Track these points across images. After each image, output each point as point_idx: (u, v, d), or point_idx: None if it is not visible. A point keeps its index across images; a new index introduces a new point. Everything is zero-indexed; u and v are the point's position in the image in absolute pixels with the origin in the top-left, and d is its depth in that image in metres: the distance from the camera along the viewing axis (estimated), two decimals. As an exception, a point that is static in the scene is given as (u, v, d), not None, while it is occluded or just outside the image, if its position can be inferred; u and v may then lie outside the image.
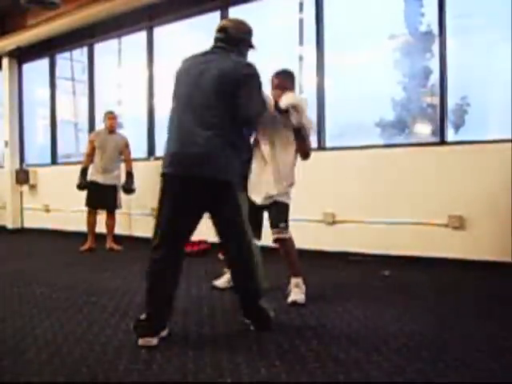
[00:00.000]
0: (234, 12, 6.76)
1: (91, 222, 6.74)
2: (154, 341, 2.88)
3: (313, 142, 5.99)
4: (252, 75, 3.05)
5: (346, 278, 4.74)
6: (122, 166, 6.90)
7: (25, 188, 9.55)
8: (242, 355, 2.70)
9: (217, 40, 3.20)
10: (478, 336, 2.98)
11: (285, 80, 3.87)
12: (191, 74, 3.06)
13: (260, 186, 3.87)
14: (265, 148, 3.87)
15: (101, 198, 6.67)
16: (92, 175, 6.72)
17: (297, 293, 3.78)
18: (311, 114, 6.04)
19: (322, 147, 6.05)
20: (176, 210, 2.97)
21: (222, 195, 3.00)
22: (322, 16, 6.04)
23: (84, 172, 6.70)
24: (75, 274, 5.05)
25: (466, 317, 3.39)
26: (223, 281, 4.30)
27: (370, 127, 6.18)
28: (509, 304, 3.75)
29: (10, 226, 9.70)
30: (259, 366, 2.54)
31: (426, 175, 5.23)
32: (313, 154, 5.97)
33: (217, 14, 6.87)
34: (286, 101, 3.61)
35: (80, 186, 6.70)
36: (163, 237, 3.01)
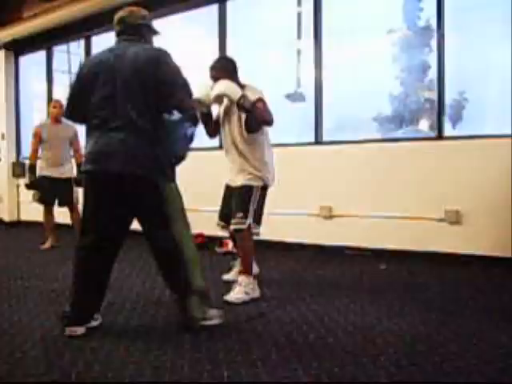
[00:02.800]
0: (232, 5, 6.75)
1: (50, 220, 6.43)
2: (81, 330, 2.93)
3: (310, 136, 6.06)
4: (167, 58, 2.99)
5: (342, 272, 4.74)
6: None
7: (21, 181, 9.52)
8: (238, 348, 2.71)
9: (118, 33, 3.14)
10: (475, 330, 2.99)
11: (219, 71, 3.77)
12: (103, 71, 2.94)
13: (230, 173, 3.94)
14: (226, 140, 3.91)
15: (57, 193, 6.27)
16: (42, 170, 6.24)
17: (235, 292, 3.69)
18: (309, 108, 6.10)
19: (319, 141, 6.04)
20: (99, 205, 2.99)
21: (145, 193, 2.94)
22: (320, 10, 6.02)
23: (33, 169, 6.24)
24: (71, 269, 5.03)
25: (463, 311, 3.40)
26: (233, 273, 4.31)
27: (367, 121, 6.18)
28: (506, 298, 3.76)
29: (6, 218, 9.69)
30: (256, 358, 2.55)
31: (423, 170, 5.24)
32: (310, 148, 6.05)
33: (214, 8, 6.85)
34: (212, 96, 3.62)
35: (31, 185, 6.28)
36: (87, 227, 3.02)
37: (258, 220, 3.81)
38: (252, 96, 3.61)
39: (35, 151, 6.31)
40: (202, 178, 6.46)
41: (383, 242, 5.40)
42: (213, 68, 3.84)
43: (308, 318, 3.27)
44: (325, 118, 6.03)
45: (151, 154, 2.90)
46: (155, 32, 3.27)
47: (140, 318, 3.30)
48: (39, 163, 6.28)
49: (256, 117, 3.62)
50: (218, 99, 3.66)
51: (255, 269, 4.22)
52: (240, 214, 3.70)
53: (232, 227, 3.76)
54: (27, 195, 9.32)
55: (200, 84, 3.67)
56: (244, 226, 3.70)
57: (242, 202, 3.75)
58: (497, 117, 4.95)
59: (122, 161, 2.85)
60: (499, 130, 4.86)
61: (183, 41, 7.56)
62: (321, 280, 4.40)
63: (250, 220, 3.71)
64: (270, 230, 5.76)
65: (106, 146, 2.88)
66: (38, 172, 6.23)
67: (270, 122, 3.71)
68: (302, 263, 5.18)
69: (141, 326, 3.13)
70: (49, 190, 6.22)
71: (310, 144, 6.10)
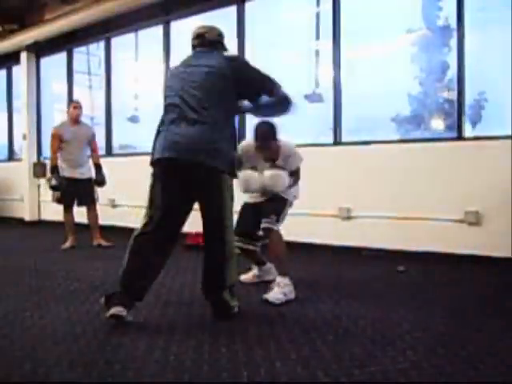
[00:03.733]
0: (251, 6, 6.78)
1: (70, 220, 6.45)
2: (124, 312, 3.08)
3: (328, 136, 6.06)
4: (244, 60, 3.47)
5: (360, 273, 4.73)
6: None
7: (42, 181, 9.64)
8: (257, 348, 2.72)
9: (195, 46, 3.49)
10: (495, 333, 2.97)
11: (265, 140, 3.83)
12: (182, 73, 3.31)
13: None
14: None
15: (77, 193, 6.32)
16: (64, 171, 6.25)
17: (274, 292, 3.70)
18: (327, 109, 6.09)
19: (337, 142, 6.04)
20: (166, 193, 3.22)
21: (209, 182, 3.20)
22: (338, 10, 6.01)
23: (56, 170, 6.23)
24: (92, 266, 5.10)
25: (483, 314, 3.38)
26: (250, 276, 4.36)
27: (385, 122, 6.16)
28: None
29: (27, 218, 9.82)
30: (275, 358, 2.56)
31: (442, 171, 5.21)
32: (329, 149, 6.04)
33: (233, 9, 6.88)
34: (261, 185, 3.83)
35: (59, 187, 6.22)
36: (152, 216, 3.23)
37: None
38: (290, 166, 3.92)
39: (56, 153, 6.31)
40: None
41: (402, 243, 5.38)
42: (260, 137, 3.84)
43: (327, 318, 3.28)
44: (343, 119, 6.02)
45: (219, 147, 3.16)
46: (225, 49, 3.56)
47: (160, 317, 3.34)
48: (59, 164, 6.30)
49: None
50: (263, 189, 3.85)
51: (272, 275, 4.22)
52: (274, 216, 3.83)
53: (264, 225, 3.83)
54: (48, 195, 9.46)
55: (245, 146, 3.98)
56: (275, 227, 3.82)
57: (277, 205, 3.90)
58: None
59: (192, 150, 3.11)
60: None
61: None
62: (339, 281, 4.40)
63: (280, 225, 3.88)
64: (288, 230, 5.78)
65: (180, 137, 3.15)
66: (60, 173, 6.25)
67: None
68: (319, 264, 5.18)
69: (161, 325, 3.16)
70: (69, 191, 6.25)
71: (328, 145, 6.10)
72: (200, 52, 3.42)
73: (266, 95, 3.36)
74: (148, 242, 3.21)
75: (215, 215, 3.23)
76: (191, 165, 3.12)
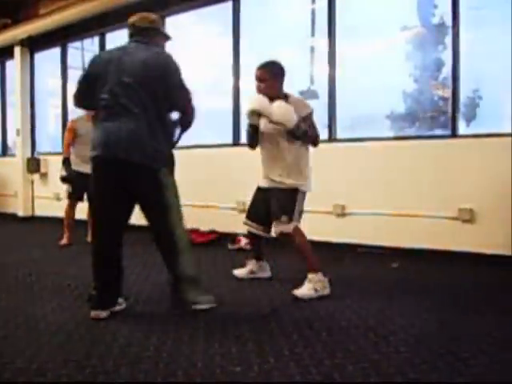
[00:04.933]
0: (246, 2, 6.76)
1: (71, 215, 6.39)
2: (104, 314, 3.16)
3: (323, 133, 6.05)
4: (175, 65, 3.26)
5: (355, 270, 4.74)
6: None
7: (36, 176, 9.62)
8: (251, 344, 2.73)
9: (129, 36, 3.38)
10: (489, 330, 2.98)
11: (265, 72, 3.77)
12: (112, 66, 3.18)
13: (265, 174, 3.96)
14: (265, 148, 3.91)
15: (87, 189, 6.03)
16: (76, 165, 6.11)
17: (304, 288, 3.71)
18: (322, 105, 6.09)
19: (332, 139, 6.04)
20: (103, 191, 3.25)
21: (146, 180, 3.17)
22: (334, 7, 6.00)
23: (68, 163, 6.15)
24: (85, 264, 5.08)
25: (477, 311, 3.39)
26: (244, 271, 4.34)
27: (380, 119, 6.17)
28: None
29: (21, 213, 9.78)
30: (268, 354, 2.56)
31: (436, 168, 5.21)
32: (323, 146, 6.01)
33: (229, 5, 6.86)
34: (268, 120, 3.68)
35: (67, 179, 6.18)
36: (99, 214, 3.34)
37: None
38: (300, 112, 3.65)
39: (69, 146, 6.20)
40: (215, 175, 6.49)
41: (396, 240, 5.39)
42: (259, 68, 3.81)
43: (320, 314, 3.29)
44: (338, 116, 6.02)
45: (155, 146, 3.14)
46: (166, 36, 3.50)
47: (152, 313, 3.34)
48: (72, 158, 6.19)
49: (305, 142, 3.77)
50: (275, 125, 3.65)
51: (267, 273, 4.24)
52: (284, 218, 3.74)
53: (277, 230, 3.80)
54: (42, 191, 9.44)
55: (257, 97, 3.74)
56: (289, 230, 3.74)
57: (286, 204, 3.77)
58: (511, 115, 4.90)
59: (128, 149, 3.08)
60: (513, 129, 4.83)
61: (197, 38, 7.60)
62: (333, 278, 4.38)
63: (296, 223, 3.77)
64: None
65: (114, 134, 3.11)
66: (73, 167, 6.14)
67: (316, 144, 3.88)
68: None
69: (154, 322, 3.16)
70: (80, 185, 6.06)
71: (323, 141, 6.07)
72: (134, 42, 3.31)
73: (176, 111, 3.32)
74: (97, 244, 3.29)
75: (159, 215, 3.23)
76: (127, 164, 3.09)
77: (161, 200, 3.19)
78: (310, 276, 3.73)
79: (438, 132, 5.72)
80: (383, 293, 3.85)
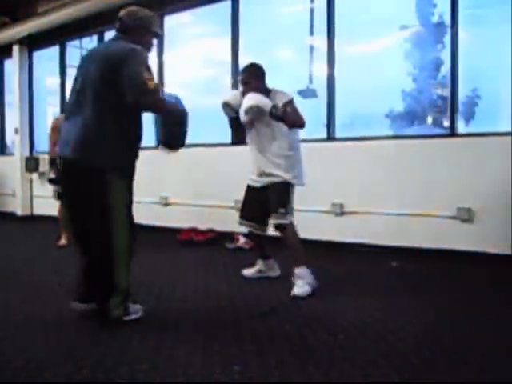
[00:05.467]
0: (245, 1, 6.75)
1: (67, 217, 6.25)
2: (80, 306, 3.15)
3: (322, 132, 6.06)
4: (133, 55, 2.99)
5: (353, 269, 4.74)
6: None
7: (34, 175, 9.60)
8: (250, 343, 2.73)
9: (115, 31, 3.27)
10: (488, 329, 2.99)
11: (249, 75, 3.93)
12: (85, 63, 3.15)
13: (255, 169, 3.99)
14: (254, 142, 3.97)
15: None
16: None
17: (299, 285, 3.72)
18: (321, 104, 6.09)
19: (331, 137, 6.03)
20: (64, 191, 3.33)
21: (91, 180, 3.01)
22: (333, 6, 5.99)
23: (55, 163, 5.67)
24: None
25: (474, 310, 3.40)
26: (252, 271, 4.33)
27: (379, 118, 6.16)
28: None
29: (19, 212, 9.77)
30: (268, 353, 2.56)
31: (435, 167, 5.22)
32: (322, 145, 6.04)
33: (227, 4, 6.85)
34: (242, 112, 3.75)
35: (57, 180, 5.71)
36: (68, 212, 3.38)
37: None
38: (280, 101, 3.75)
39: (55, 145, 6.04)
40: (213, 174, 6.49)
41: (395, 239, 5.39)
42: (243, 72, 3.99)
43: (319, 314, 3.29)
44: (337, 115, 6.02)
45: (104, 147, 3.00)
46: (154, 34, 3.36)
47: (152, 313, 3.32)
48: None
49: (288, 122, 3.73)
50: (251, 111, 3.71)
51: (276, 271, 4.27)
52: (282, 210, 3.77)
53: (275, 222, 3.82)
54: (40, 190, 9.42)
55: (230, 92, 3.98)
56: (287, 222, 3.79)
57: (282, 197, 3.82)
58: (510, 114, 4.91)
59: (75, 148, 2.99)
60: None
61: (196, 37, 7.59)
62: (332, 277, 4.40)
63: (292, 216, 3.83)
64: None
65: (67, 133, 3.07)
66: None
67: (301, 126, 3.84)
68: (313, 260, 5.15)
69: (153, 322, 3.15)
70: None
71: (322, 140, 6.09)
72: (114, 37, 3.24)
73: (130, 101, 2.95)
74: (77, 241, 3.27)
75: (97, 218, 3.03)
76: (75, 164, 3.03)
77: (102, 202, 2.99)
78: (299, 271, 3.75)
79: (437, 131, 5.72)
80: (382, 292, 3.86)
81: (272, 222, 3.85)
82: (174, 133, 3.39)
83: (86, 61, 3.17)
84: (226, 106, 3.90)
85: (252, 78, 3.91)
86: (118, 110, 3.00)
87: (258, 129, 3.89)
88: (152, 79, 2.99)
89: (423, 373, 2.35)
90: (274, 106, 3.65)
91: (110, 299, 3.02)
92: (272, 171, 3.85)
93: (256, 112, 3.68)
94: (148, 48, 3.29)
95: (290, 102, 3.82)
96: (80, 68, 3.18)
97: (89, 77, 3.02)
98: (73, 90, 3.14)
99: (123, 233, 3.05)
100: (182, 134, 3.38)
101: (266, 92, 3.86)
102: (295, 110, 3.81)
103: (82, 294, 3.19)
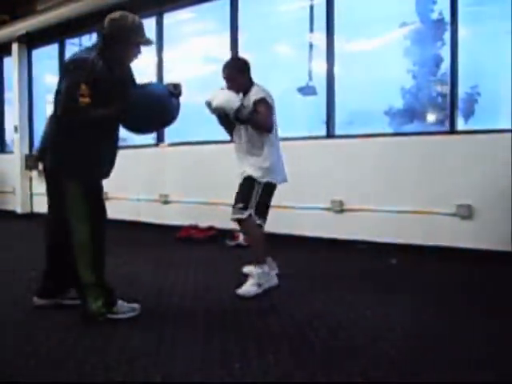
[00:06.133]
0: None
1: None
2: (40, 301, 3.32)
3: (321, 129, 6.06)
4: (66, 69, 3.09)
5: (353, 266, 4.74)
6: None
7: (34, 173, 9.60)
8: (250, 340, 2.73)
9: (97, 37, 3.27)
10: (488, 327, 2.99)
11: (231, 70, 3.82)
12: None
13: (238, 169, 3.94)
14: (235, 141, 3.95)
15: None
16: None
17: (247, 285, 3.66)
18: (321, 102, 6.09)
19: (331, 135, 6.03)
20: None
21: (53, 181, 3.24)
22: (332, 3, 5.98)
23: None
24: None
25: (474, 308, 3.40)
26: (251, 267, 4.26)
27: (378, 115, 6.16)
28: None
29: (19, 210, 9.77)
30: (267, 351, 2.57)
31: (435, 164, 5.22)
32: (322, 142, 6.04)
33: (226, 1, 6.84)
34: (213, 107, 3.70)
35: None
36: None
37: (263, 214, 3.78)
38: (254, 96, 3.68)
39: None
40: (212, 172, 6.49)
41: (394, 236, 5.39)
42: (225, 68, 3.86)
43: (319, 311, 3.29)
44: (336, 112, 6.02)
45: (59, 148, 3.12)
46: (139, 43, 3.26)
47: (152, 310, 3.33)
48: None
49: (252, 126, 3.67)
50: (216, 111, 3.73)
51: (274, 270, 4.18)
52: (240, 205, 3.70)
53: (231, 217, 3.76)
54: (40, 187, 9.41)
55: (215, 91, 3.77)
56: (242, 216, 3.67)
57: (243, 192, 3.76)
58: (509, 111, 4.91)
59: (41, 150, 3.36)
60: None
61: (195, 34, 7.58)
62: (332, 274, 4.40)
63: (250, 211, 3.68)
64: (281, 223, 5.78)
65: (41, 137, 3.48)
66: None
67: (266, 130, 3.70)
68: (313, 257, 5.19)
69: (153, 319, 3.16)
70: None
71: (321, 138, 6.10)
72: (93, 44, 3.24)
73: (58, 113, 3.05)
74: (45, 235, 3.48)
75: (59, 215, 3.15)
76: (44, 165, 3.27)
77: (62, 201, 3.09)
78: (253, 270, 3.71)
79: (437, 128, 5.71)
80: (382, 289, 3.86)
81: (231, 216, 3.78)
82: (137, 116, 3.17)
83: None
84: (206, 103, 3.77)
85: (235, 72, 3.79)
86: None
87: (237, 127, 3.86)
88: (85, 96, 2.92)
89: (421, 367, 2.35)
90: (239, 110, 3.55)
91: (82, 293, 3.11)
92: (245, 169, 3.82)
93: (222, 112, 3.66)
94: (128, 59, 3.24)
95: (260, 101, 3.67)
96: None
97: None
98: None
99: (83, 229, 3.06)
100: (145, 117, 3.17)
101: (251, 86, 3.79)
102: (266, 111, 3.68)
103: (43, 290, 3.35)
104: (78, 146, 3.07)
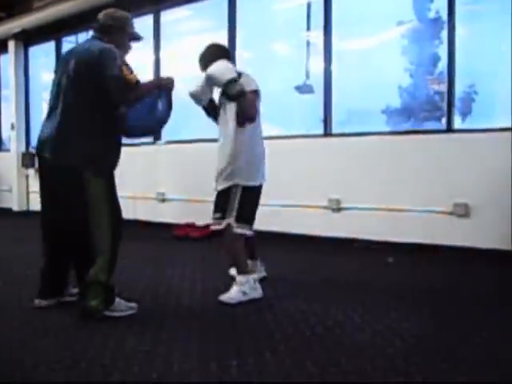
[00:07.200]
0: (242, -4, 6.73)
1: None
2: (44, 302, 3.28)
3: (319, 128, 6.06)
4: (107, 53, 3.02)
5: (350, 265, 4.75)
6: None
7: (31, 171, 9.58)
8: (246, 338, 2.73)
9: (93, 31, 3.31)
10: (486, 326, 2.99)
11: (208, 58, 3.59)
12: (63, 61, 3.18)
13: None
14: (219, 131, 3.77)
15: None
16: None
17: (230, 292, 3.48)
18: (318, 100, 6.09)
19: (328, 133, 6.03)
20: (41, 188, 3.37)
21: (69, 179, 3.07)
22: (329, 1, 5.98)
23: None
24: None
25: (471, 307, 3.40)
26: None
27: (376, 114, 6.16)
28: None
29: (16, 208, 9.76)
30: (264, 348, 2.56)
31: (432, 163, 5.22)
32: (319, 140, 6.04)
33: (224, -1, 6.84)
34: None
35: None
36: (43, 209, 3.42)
37: (247, 220, 3.58)
38: (247, 87, 3.45)
39: None
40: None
41: (391, 235, 5.39)
42: (201, 57, 3.69)
43: (316, 310, 3.28)
44: (334, 110, 6.02)
45: (83, 144, 3.03)
46: (132, 36, 3.34)
47: (149, 308, 3.33)
48: None
49: (240, 108, 3.46)
50: (208, 81, 3.47)
51: (261, 273, 4.04)
52: (217, 215, 3.58)
53: (211, 227, 3.68)
54: (37, 185, 9.39)
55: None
56: (220, 227, 3.55)
57: (220, 202, 3.62)
58: (506, 110, 4.91)
59: (51, 147, 3.07)
60: (509, 123, 4.82)
61: (192, 32, 7.57)
62: (329, 272, 4.41)
63: (229, 220, 3.50)
64: (278, 221, 5.79)
65: (43, 132, 3.15)
66: None
67: (250, 119, 3.52)
68: (310, 255, 5.19)
69: (150, 317, 3.15)
70: None
71: (318, 136, 6.09)
72: (91, 37, 3.27)
73: (116, 103, 3.09)
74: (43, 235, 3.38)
75: (76, 218, 3.09)
76: (53, 163, 3.08)
77: (81, 202, 3.03)
78: (238, 278, 3.51)
79: (434, 127, 5.72)
80: (378, 288, 3.86)
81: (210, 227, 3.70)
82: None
83: (64, 59, 3.20)
84: (192, 96, 3.57)
85: (213, 58, 3.52)
86: (94, 107, 3.05)
87: (221, 117, 3.67)
88: (130, 73, 3.02)
89: (418, 365, 2.35)
90: (230, 82, 3.34)
91: (87, 289, 3.06)
92: (218, 178, 3.75)
93: (210, 81, 3.44)
94: (125, 50, 3.28)
95: (253, 93, 3.49)
96: (59, 66, 3.24)
97: (66, 75, 3.06)
98: (52, 89, 3.18)
99: (103, 232, 3.08)
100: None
101: (238, 75, 3.49)
102: (253, 102, 3.50)
103: (44, 291, 3.31)
104: (100, 143, 3.08)
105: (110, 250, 3.10)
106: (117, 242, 3.15)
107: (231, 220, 3.50)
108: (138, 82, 3.05)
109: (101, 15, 3.27)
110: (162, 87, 3.23)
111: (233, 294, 3.44)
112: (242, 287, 3.46)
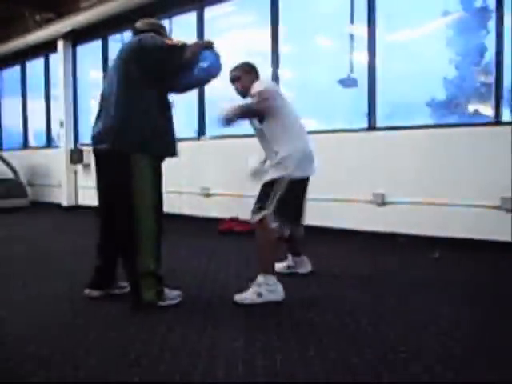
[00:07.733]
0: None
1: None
2: (94, 293, 3.42)
3: (363, 122, 6.01)
4: (146, 39, 3.20)
5: (395, 260, 4.70)
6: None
7: (79, 167, 9.85)
8: (291, 332, 2.76)
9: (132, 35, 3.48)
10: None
11: (235, 72, 3.82)
12: (111, 65, 3.41)
13: None
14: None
15: None
16: None
17: (247, 292, 3.37)
18: (362, 93, 6.04)
19: (372, 127, 5.99)
20: (97, 180, 3.42)
21: (115, 166, 3.19)
22: (373, -7, 5.93)
23: None
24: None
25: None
26: (282, 266, 4.14)
27: (420, 107, 6.07)
28: None
29: (65, 203, 10.05)
30: (308, 343, 2.59)
31: (479, 156, 5.11)
32: (363, 135, 5.99)
33: (267, -6, 6.86)
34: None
35: None
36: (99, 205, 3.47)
37: (286, 216, 3.50)
38: (252, 90, 3.57)
39: None
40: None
41: (436, 229, 5.32)
42: (232, 70, 3.86)
43: (360, 304, 3.28)
44: (378, 104, 5.96)
45: (128, 131, 3.13)
46: (164, 35, 3.48)
47: (194, 300, 3.39)
48: None
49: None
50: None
51: (307, 267, 4.12)
52: (257, 205, 3.48)
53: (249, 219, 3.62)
54: (85, 181, 9.65)
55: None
56: (256, 218, 3.44)
57: (262, 193, 3.54)
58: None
59: (102, 137, 3.22)
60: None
61: (236, 27, 7.61)
62: (372, 268, 4.38)
63: (266, 212, 3.40)
64: (322, 216, 5.78)
65: (97, 127, 3.29)
66: None
67: (258, 112, 3.57)
68: (354, 250, 5.17)
69: (195, 308, 3.21)
70: None
71: (362, 130, 6.05)
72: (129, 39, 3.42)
73: (173, 83, 3.32)
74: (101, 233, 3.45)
75: (123, 202, 3.16)
76: (101, 152, 3.24)
77: (126, 187, 3.11)
78: (259, 278, 3.39)
79: (481, 119, 5.60)
80: (423, 284, 3.82)
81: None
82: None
83: (113, 60, 3.40)
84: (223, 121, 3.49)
85: (241, 73, 3.80)
86: (141, 86, 3.17)
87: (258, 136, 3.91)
88: (174, 42, 3.20)
89: (459, 370, 2.34)
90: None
91: (139, 281, 3.14)
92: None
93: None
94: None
95: (255, 94, 3.53)
96: (108, 69, 3.45)
97: (115, 70, 3.25)
98: (103, 90, 3.37)
99: (149, 218, 3.16)
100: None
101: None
102: (259, 101, 3.50)
103: (96, 281, 3.44)
104: (150, 127, 3.17)
105: (155, 237, 3.19)
106: (160, 230, 3.23)
107: (269, 212, 3.40)
108: (184, 44, 3.18)
109: (137, 24, 3.44)
110: (207, 45, 3.36)
111: (246, 295, 3.36)
112: (259, 288, 3.35)
